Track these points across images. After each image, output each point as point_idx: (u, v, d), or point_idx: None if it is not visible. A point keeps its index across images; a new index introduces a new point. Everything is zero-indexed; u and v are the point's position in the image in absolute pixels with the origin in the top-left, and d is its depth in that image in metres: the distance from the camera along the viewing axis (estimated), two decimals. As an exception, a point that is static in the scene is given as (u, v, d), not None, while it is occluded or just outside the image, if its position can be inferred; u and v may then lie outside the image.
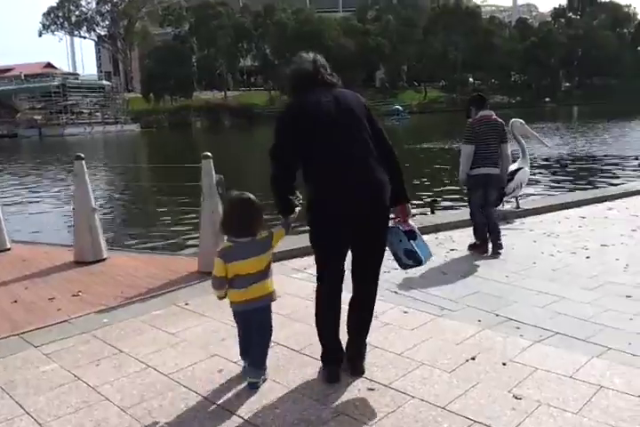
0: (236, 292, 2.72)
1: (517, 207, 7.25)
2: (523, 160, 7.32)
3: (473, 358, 2.98)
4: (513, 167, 7.23)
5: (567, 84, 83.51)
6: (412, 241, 2.88)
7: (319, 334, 2.91)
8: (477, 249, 5.29)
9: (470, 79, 77.97)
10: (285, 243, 5.29)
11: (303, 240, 5.35)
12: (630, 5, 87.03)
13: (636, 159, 16.34)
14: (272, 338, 2.90)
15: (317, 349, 2.98)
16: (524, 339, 3.23)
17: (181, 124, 52.02)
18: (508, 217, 6.99)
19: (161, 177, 12.97)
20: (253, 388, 2.76)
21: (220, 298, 2.84)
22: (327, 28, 65.79)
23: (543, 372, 2.82)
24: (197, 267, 4.76)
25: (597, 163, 16.14)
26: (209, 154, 4.61)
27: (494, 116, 5.43)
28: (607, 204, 7.90)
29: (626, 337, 3.23)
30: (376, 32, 69.23)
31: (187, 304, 4.00)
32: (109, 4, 73.43)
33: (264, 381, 2.82)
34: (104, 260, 5.26)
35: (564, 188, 11.71)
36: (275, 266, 4.90)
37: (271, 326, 2.83)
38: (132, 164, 21.70)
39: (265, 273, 2.75)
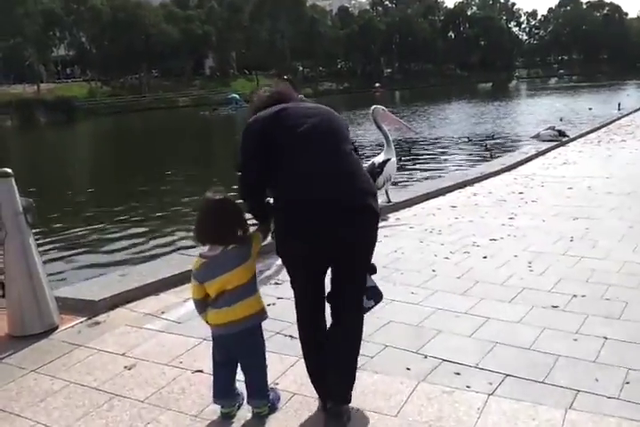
0: (218, 312, 2.31)
1: (389, 202, 6.68)
2: (388, 150, 6.73)
3: (425, 440, 2.18)
4: (380, 159, 6.63)
5: (389, 70, 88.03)
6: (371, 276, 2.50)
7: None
8: None
9: (300, 67, 78.82)
10: (131, 278, 4.13)
11: (157, 271, 4.27)
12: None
13: (469, 140, 17.10)
14: None
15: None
16: (472, 391, 2.50)
17: (-12, 124, 45.75)
18: (382, 213, 6.38)
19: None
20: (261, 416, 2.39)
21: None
22: (147, 15, 62.03)
23: (521, 448, 2.10)
24: (7, 328, 3.42)
25: (432, 146, 16.51)
26: (8, 170, 3.26)
27: None
28: (469, 189, 7.69)
29: (586, 370, 2.64)
30: (201, 18, 66.88)
31: (-8, 397, 2.72)
32: None
33: (273, 409, 2.41)
34: None
35: (411, 175, 11.56)
36: (116, 313, 3.78)
37: (264, 350, 2.41)
38: None
39: (250, 287, 2.34)
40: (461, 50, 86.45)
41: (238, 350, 2.35)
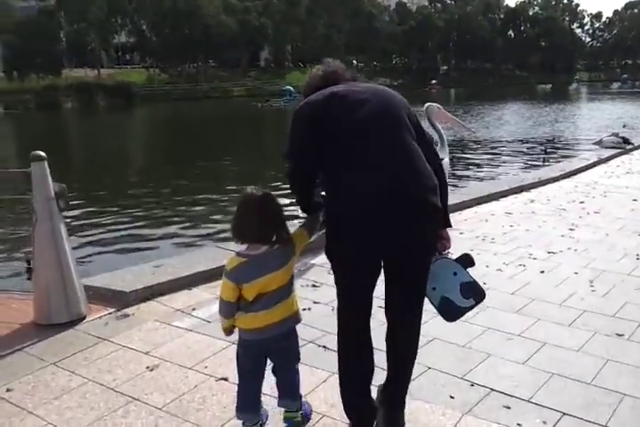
0: (255, 316, 2.10)
1: (438, 204, 6.35)
2: (442, 149, 6.34)
3: (468, 485, 1.91)
4: (433, 158, 6.32)
5: (444, 68, 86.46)
6: (468, 269, 2.17)
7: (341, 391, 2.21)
8: None
9: (354, 62, 78.28)
10: (164, 270, 3.98)
11: (192, 264, 4.02)
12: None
13: (524, 142, 16.43)
14: None
15: None
16: (525, 431, 2.21)
17: (50, 105, 47.09)
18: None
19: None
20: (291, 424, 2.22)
21: (227, 331, 2.20)
22: (206, 5, 62.71)
23: None
24: (32, 315, 3.31)
25: (485, 147, 15.92)
26: (41, 153, 3.13)
27: None
28: (526, 195, 7.27)
29: (658, 415, 2.31)
30: (258, 11, 67.20)
31: (8, 390, 2.59)
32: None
33: (305, 421, 2.25)
34: None
35: (462, 177, 11.11)
36: (146, 306, 3.64)
37: (298, 355, 2.24)
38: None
39: (288, 288, 2.15)
40: (521, 50, 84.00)
41: (274, 354, 2.16)
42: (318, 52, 72.16)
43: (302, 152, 2.13)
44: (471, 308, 2.19)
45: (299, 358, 2.23)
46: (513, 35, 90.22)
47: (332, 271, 2.16)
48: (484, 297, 2.19)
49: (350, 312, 2.15)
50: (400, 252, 2.06)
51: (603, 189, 7.50)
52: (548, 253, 4.62)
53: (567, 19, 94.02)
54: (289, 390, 2.20)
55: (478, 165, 12.66)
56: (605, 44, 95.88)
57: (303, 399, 2.28)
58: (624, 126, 18.01)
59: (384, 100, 2.11)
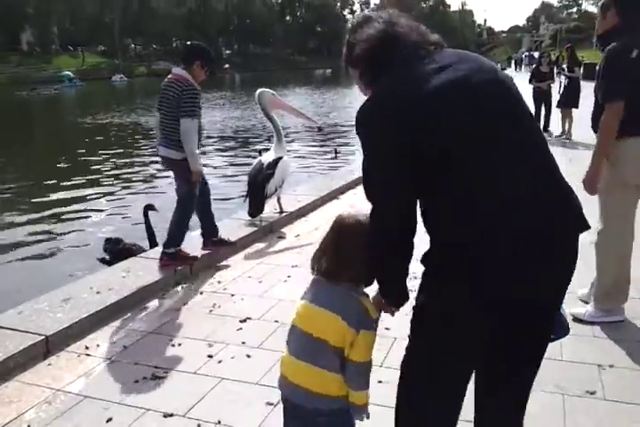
0: (285, 354, 1.59)
1: (281, 212, 5.32)
2: (278, 145, 5.31)
3: None
4: (269, 157, 5.22)
5: (228, 52, 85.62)
6: None
7: None
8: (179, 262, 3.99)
9: (132, 45, 73.54)
10: None
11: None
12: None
13: (320, 130, 16.09)
14: None
15: None
16: None
17: None
18: (274, 228, 5.02)
19: None
20: None
21: None
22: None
23: None
24: None
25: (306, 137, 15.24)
26: None
27: (177, 77, 3.86)
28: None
29: None
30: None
31: None
32: None
33: None
34: None
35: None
36: None
37: None
38: None
39: (330, 358, 1.48)
40: (299, 35, 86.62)
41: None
42: (90, 34, 66.12)
43: (392, 186, 1.35)
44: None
45: None
46: (290, 20, 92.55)
47: None
48: (565, 333, 1.57)
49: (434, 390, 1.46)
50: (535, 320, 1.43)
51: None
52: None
53: (339, 5, 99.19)
54: None
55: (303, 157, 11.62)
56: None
57: None
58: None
59: (503, 86, 1.40)
